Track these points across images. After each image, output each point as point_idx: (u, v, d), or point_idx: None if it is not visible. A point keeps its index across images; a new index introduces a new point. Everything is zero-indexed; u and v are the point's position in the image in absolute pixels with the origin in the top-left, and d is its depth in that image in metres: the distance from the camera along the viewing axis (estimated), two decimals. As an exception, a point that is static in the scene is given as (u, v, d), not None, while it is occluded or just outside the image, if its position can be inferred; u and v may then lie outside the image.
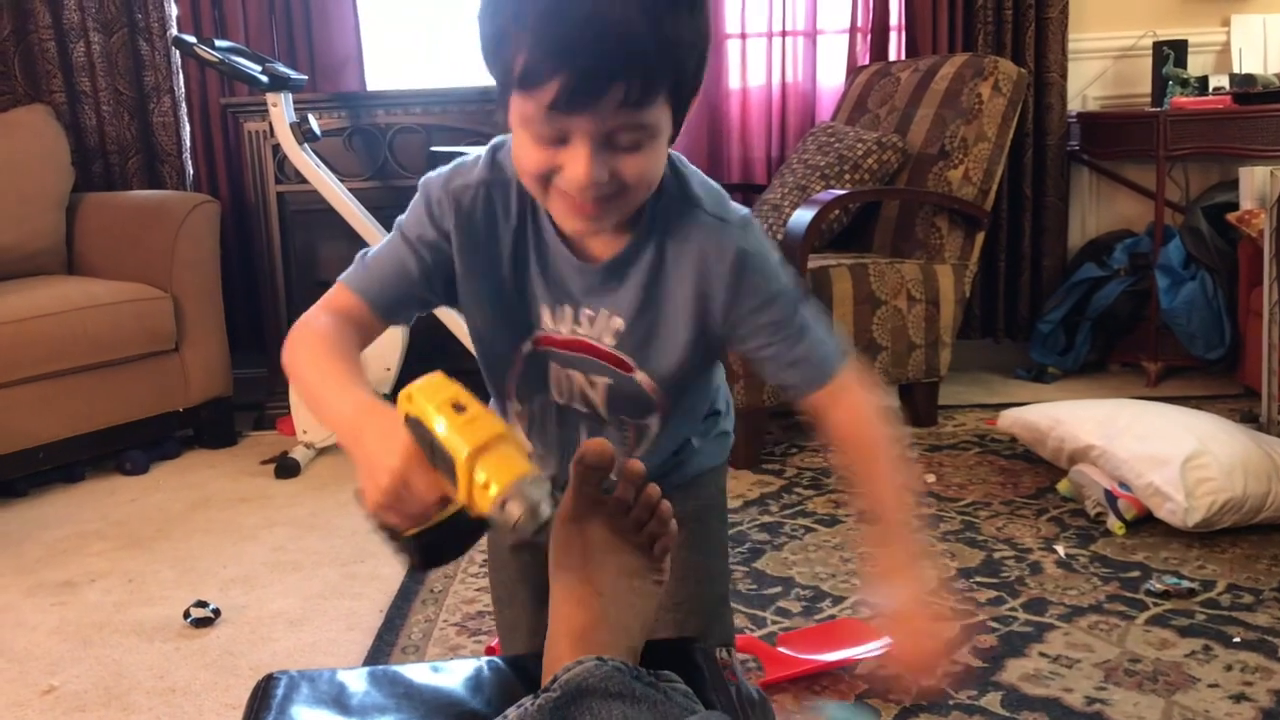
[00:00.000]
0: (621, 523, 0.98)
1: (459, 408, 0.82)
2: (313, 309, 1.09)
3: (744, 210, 1.08)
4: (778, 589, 2.20)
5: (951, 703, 1.73)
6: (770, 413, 2.97)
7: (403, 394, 0.86)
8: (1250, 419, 2.94)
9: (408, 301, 1.10)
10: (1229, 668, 1.84)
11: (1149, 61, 3.69)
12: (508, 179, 1.05)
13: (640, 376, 1.09)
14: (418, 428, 0.84)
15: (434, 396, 0.83)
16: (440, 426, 0.82)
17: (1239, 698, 1.75)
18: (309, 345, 1.02)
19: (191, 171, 3.77)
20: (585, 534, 0.97)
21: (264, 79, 3.08)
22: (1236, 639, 1.93)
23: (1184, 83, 3.57)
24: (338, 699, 0.98)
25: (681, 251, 1.04)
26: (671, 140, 0.98)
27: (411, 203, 1.11)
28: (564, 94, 0.87)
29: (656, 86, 0.90)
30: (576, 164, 0.91)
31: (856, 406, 1.07)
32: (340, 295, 1.09)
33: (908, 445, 1.11)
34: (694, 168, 1.09)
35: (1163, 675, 1.82)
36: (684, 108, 0.96)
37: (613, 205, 0.96)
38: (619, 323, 1.07)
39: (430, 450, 0.83)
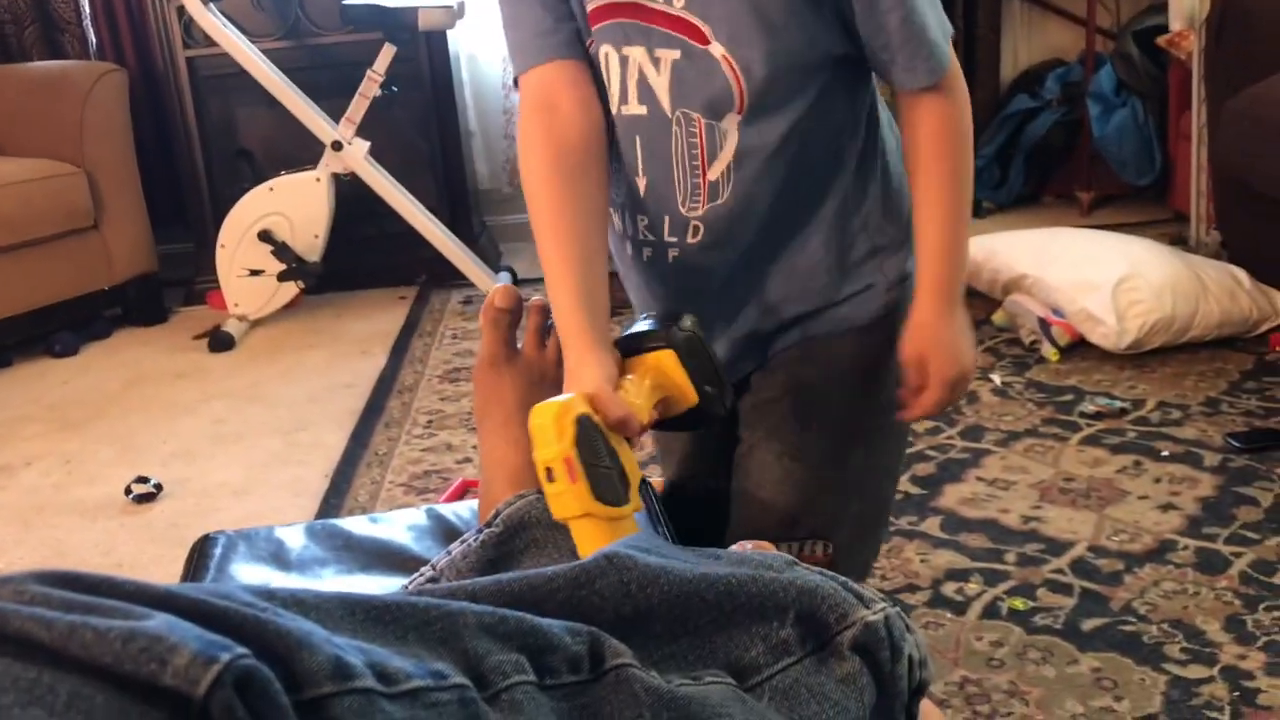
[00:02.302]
0: (534, 367, 0.96)
1: (549, 475, 0.79)
2: (522, 123, 0.95)
3: None
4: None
5: (891, 529, 1.77)
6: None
7: (530, 416, 0.81)
8: (1180, 242, 2.98)
9: (571, 20, 0.94)
10: (1158, 480, 1.90)
11: (1078, -118, 3.61)
12: None
13: (717, 50, 0.88)
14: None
15: (535, 454, 0.80)
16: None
17: (1167, 507, 1.81)
18: (537, 217, 0.92)
19: (94, 40, 3.59)
20: (506, 376, 0.95)
21: (160, -65, 2.91)
22: (1165, 453, 1.98)
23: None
24: (276, 555, 0.98)
25: None
26: None
27: None
28: None
29: None
30: None
31: (943, 125, 0.95)
32: (528, 87, 0.95)
33: (970, 172, 0.98)
34: None
35: (1095, 491, 1.88)
36: None
37: None
38: None
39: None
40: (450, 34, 3.41)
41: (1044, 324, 2.45)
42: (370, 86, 3.05)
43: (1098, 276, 2.39)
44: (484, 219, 3.77)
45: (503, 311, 0.95)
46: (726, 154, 0.92)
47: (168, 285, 3.42)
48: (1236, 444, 1.97)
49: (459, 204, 3.50)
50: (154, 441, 2.47)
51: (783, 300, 1.01)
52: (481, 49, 3.77)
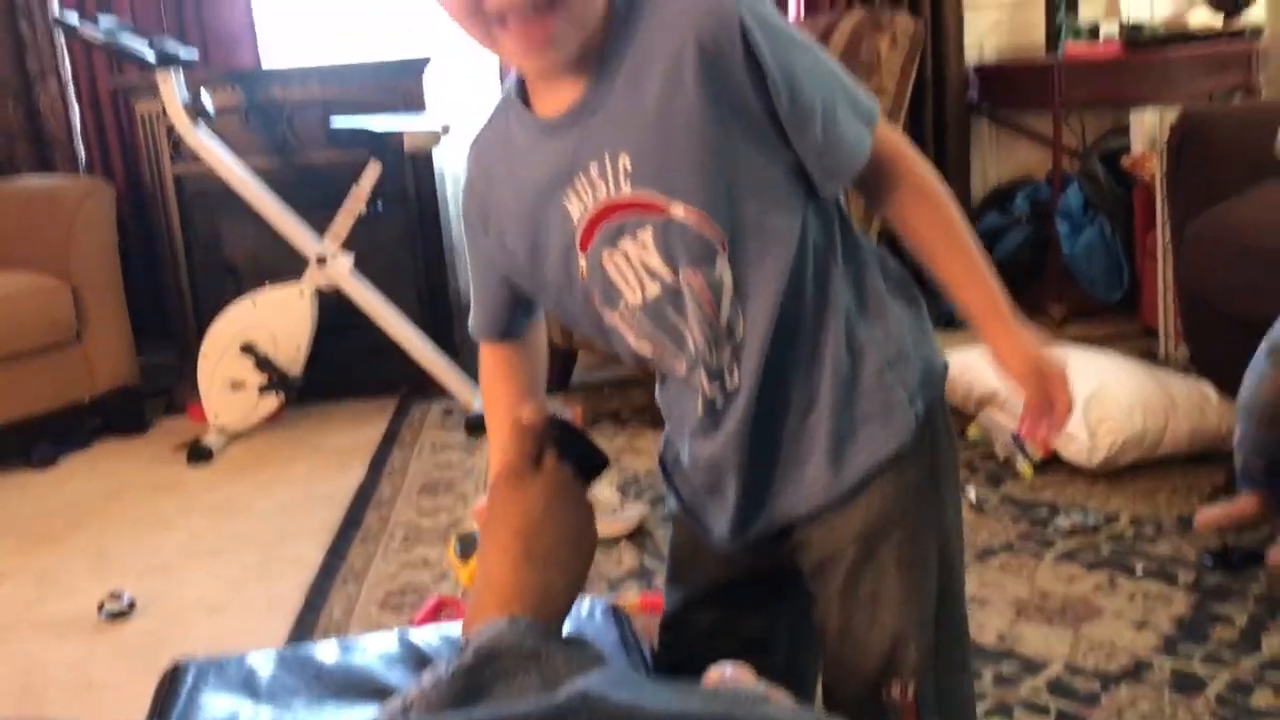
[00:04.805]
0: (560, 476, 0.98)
1: None
2: (483, 358, 1.17)
3: None
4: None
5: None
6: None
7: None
8: (1149, 357, 3.03)
9: (516, 306, 1.11)
10: (1132, 597, 1.90)
11: (1042, 10, 3.76)
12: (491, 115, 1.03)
13: (677, 210, 0.92)
14: None
15: None
16: None
17: (1142, 625, 1.81)
18: (485, 389, 1.17)
19: (84, 156, 3.66)
20: (524, 494, 0.96)
21: (151, 56, 2.99)
22: (1139, 570, 2.00)
23: (1076, 31, 3.64)
24: (247, 684, 0.98)
25: (663, 40, 0.90)
26: None
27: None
28: None
29: None
30: None
31: (915, 197, 1.00)
32: (486, 348, 1.15)
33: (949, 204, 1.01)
34: None
35: (1071, 608, 1.88)
36: None
37: (563, 15, 0.86)
38: (625, 160, 0.92)
39: None
40: (435, 150, 3.49)
41: (1018, 439, 2.48)
42: (356, 203, 3.11)
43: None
44: (465, 331, 3.80)
45: (531, 427, 0.97)
46: (728, 293, 0.95)
47: (149, 396, 3.43)
48: (1210, 561, 1.99)
49: (441, 316, 3.54)
50: (130, 556, 2.45)
51: (807, 432, 1.00)
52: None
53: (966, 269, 1.00)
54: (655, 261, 0.95)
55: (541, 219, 0.98)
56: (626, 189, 0.93)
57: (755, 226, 0.94)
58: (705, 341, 0.97)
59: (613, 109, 0.92)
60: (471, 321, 1.14)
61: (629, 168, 0.92)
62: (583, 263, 0.98)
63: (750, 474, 1.01)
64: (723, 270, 0.94)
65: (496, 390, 1.14)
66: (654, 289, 0.97)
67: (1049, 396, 1.01)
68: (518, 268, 1.03)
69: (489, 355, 1.15)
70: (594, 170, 0.93)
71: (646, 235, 0.94)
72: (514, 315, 1.11)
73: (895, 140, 0.99)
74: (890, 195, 1.00)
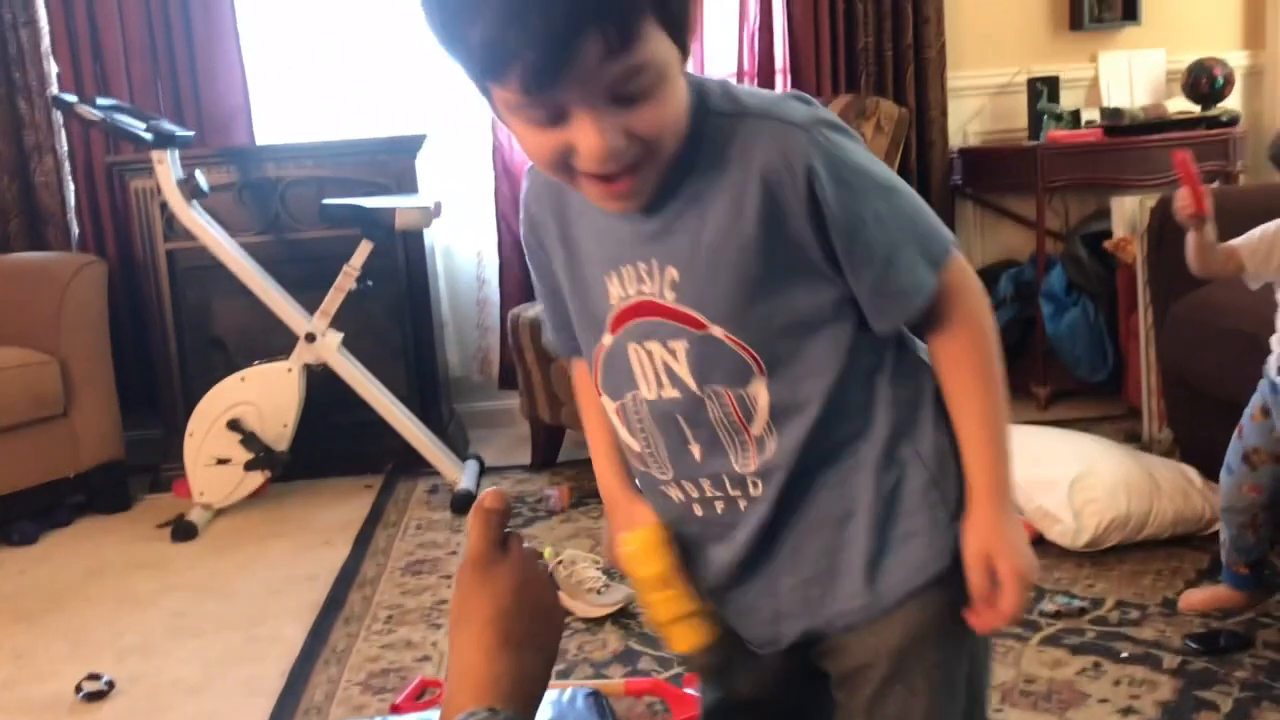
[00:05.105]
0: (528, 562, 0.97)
1: (652, 585, 1.00)
2: (576, 385, 1.15)
3: (812, 107, 0.91)
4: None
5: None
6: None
7: (622, 542, 1.03)
8: (1134, 438, 3.05)
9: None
10: (1117, 682, 1.89)
11: (1024, 97, 3.83)
12: None
13: (717, 330, 0.93)
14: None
15: (645, 566, 1.00)
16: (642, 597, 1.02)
17: (1127, 711, 1.80)
18: (584, 407, 1.12)
19: (77, 231, 3.69)
20: (492, 581, 0.95)
21: (148, 136, 3.03)
22: (1124, 654, 1.99)
23: (1058, 117, 3.71)
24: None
25: (728, 170, 0.89)
26: (684, 58, 0.84)
27: None
28: (534, 70, 0.76)
29: (636, 17, 0.77)
30: (586, 138, 0.80)
31: (960, 346, 0.96)
32: (572, 366, 1.13)
33: (1000, 366, 0.98)
34: (730, 81, 0.96)
35: (1056, 694, 1.87)
36: (682, 23, 0.82)
37: (648, 167, 0.85)
38: (673, 273, 0.92)
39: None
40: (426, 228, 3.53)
41: (1003, 521, 2.48)
42: (346, 281, 3.13)
43: (1053, 475, 2.43)
44: (454, 406, 3.82)
45: (493, 512, 0.95)
46: (760, 414, 0.95)
47: (134, 472, 3.42)
48: (1194, 646, 1.98)
49: (429, 391, 3.55)
50: (109, 635, 2.43)
51: (847, 541, 0.98)
52: (457, 242, 3.90)
53: (984, 440, 0.97)
54: (682, 371, 0.95)
55: (581, 275, 1.00)
56: (670, 297, 0.93)
57: (796, 355, 0.94)
58: (733, 451, 0.97)
59: (669, 223, 0.92)
60: (547, 337, 1.13)
61: (675, 280, 0.92)
62: (607, 340, 0.99)
63: (777, 580, 1.00)
64: (758, 391, 0.94)
65: (591, 422, 1.11)
66: (672, 393, 0.96)
67: (991, 593, 0.96)
68: (563, 291, 1.04)
69: (580, 374, 1.12)
70: (643, 268, 0.94)
71: (680, 346, 0.94)
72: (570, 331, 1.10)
73: (962, 283, 0.96)
74: (937, 333, 0.97)
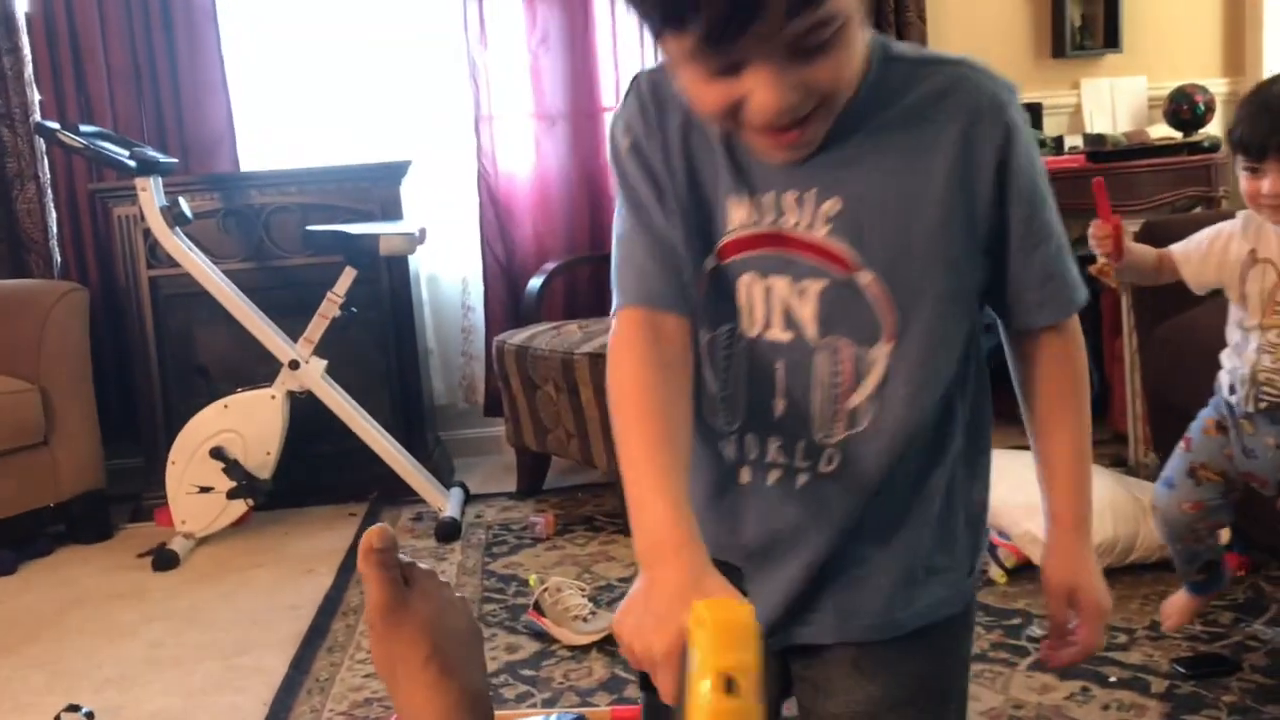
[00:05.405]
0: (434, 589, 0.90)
1: (730, 686, 0.67)
2: (614, 346, 0.91)
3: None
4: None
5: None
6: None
7: (699, 608, 0.71)
8: (1119, 463, 3.04)
9: (684, 275, 0.91)
10: (1106, 707, 1.88)
11: (1007, 123, 3.85)
12: None
13: (864, 277, 0.87)
14: (685, 660, 0.72)
15: (717, 655, 0.68)
16: (701, 693, 0.68)
17: (1117, 737, 1.79)
18: (622, 414, 0.87)
19: (59, 259, 3.67)
20: (409, 620, 0.88)
21: (132, 164, 3.02)
22: (1112, 679, 1.98)
23: (1042, 143, 3.73)
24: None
25: (921, 113, 0.86)
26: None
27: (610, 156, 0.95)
28: (718, 23, 0.72)
29: None
30: (761, 92, 0.76)
31: (1066, 362, 0.97)
32: (626, 322, 0.91)
33: (1088, 403, 0.99)
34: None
35: (1045, 719, 1.86)
36: None
37: (820, 118, 0.81)
38: (835, 204, 0.86)
39: (683, 684, 0.72)
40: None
41: (991, 546, 2.47)
42: (330, 307, 3.12)
43: (1039, 499, 2.42)
44: (438, 434, 3.80)
45: (384, 552, 0.86)
46: (871, 381, 0.90)
47: (116, 501, 3.39)
48: (1182, 670, 1.97)
49: (414, 419, 3.53)
50: (89, 666, 2.39)
51: (889, 550, 0.95)
52: (442, 269, 3.89)
53: (1074, 456, 0.98)
54: (805, 315, 0.89)
55: (695, 197, 0.91)
56: (820, 232, 0.87)
57: (930, 332, 0.89)
58: (820, 416, 0.91)
59: (846, 154, 0.86)
60: (626, 289, 0.91)
61: (835, 213, 0.87)
62: (709, 264, 0.92)
63: (826, 553, 0.94)
64: (878, 356, 0.89)
65: (634, 429, 0.86)
66: (782, 335, 0.90)
67: (1071, 628, 0.96)
68: (660, 212, 0.92)
69: (633, 330, 0.89)
70: (792, 196, 0.88)
71: (813, 287, 0.88)
72: (675, 281, 0.90)
73: (1074, 337, 0.98)
74: (1050, 333, 0.96)
